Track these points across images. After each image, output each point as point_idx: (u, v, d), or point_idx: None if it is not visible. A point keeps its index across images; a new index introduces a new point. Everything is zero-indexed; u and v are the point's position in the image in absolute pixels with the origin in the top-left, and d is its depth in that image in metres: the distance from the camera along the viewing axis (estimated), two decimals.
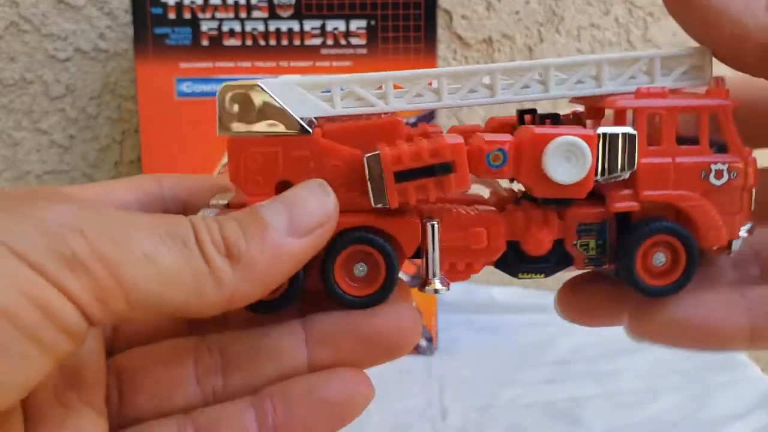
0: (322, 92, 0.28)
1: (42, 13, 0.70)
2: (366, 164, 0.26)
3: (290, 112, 0.27)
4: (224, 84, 0.27)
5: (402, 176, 0.26)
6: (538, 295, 0.75)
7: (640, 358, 0.64)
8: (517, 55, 0.72)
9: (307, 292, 0.28)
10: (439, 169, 0.26)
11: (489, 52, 0.72)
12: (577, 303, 0.32)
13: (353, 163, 0.27)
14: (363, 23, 0.61)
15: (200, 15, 0.61)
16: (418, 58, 0.62)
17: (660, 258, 0.28)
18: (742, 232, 0.29)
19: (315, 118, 0.28)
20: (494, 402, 0.59)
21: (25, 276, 0.20)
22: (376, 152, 0.26)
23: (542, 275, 0.30)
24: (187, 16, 0.61)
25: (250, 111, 0.27)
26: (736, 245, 0.29)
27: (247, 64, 0.62)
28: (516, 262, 0.29)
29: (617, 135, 0.27)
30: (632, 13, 0.70)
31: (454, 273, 0.28)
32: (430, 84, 0.29)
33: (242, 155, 0.27)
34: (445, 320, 0.70)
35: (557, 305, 0.32)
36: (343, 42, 0.62)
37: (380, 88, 0.28)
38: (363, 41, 0.62)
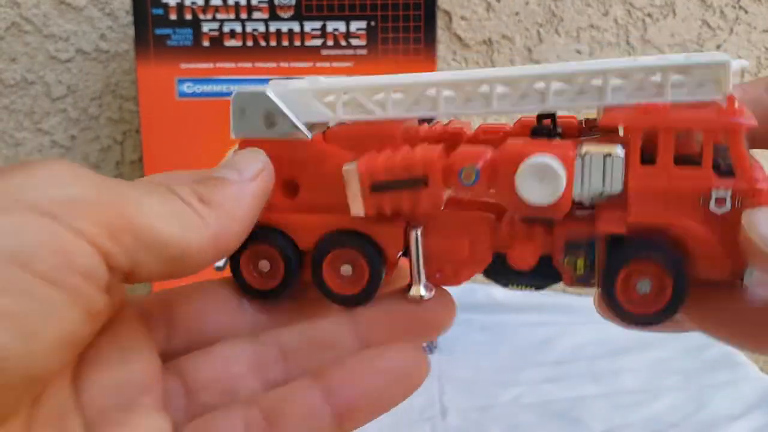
0: (328, 99, 0.29)
1: (43, 14, 0.70)
2: (345, 175, 0.27)
3: (292, 118, 0.28)
4: (237, 92, 0.28)
5: (378, 187, 0.27)
6: (538, 295, 0.75)
7: (640, 358, 0.64)
8: (517, 56, 0.73)
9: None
10: (413, 183, 0.27)
11: (488, 53, 0.72)
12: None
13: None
14: (363, 24, 0.62)
15: (201, 16, 0.61)
16: (417, 59, 0.62)
17: (645, 285, 0.26)
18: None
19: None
20: (494, 402, 0.59)
21: (39, 223, 0.22)
22: (353, 164, 0.27)
23: (532, 288, 0.31)
24: (188, 17, 0.61)
25: (259, 116, 0.28)
26: (750, 275, 0.26)
27: (247, 64, 0.62)
28: (505, 272, 0.28)
29: (600, 156, 0.25)
30: (631, 14, 0.70)
31: (444, 277, 0.28)
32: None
33: None
34: None
35: (598, 308, 0.31)
36: (343, 43, 0.62)
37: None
38: (363, 42, 0.62)
